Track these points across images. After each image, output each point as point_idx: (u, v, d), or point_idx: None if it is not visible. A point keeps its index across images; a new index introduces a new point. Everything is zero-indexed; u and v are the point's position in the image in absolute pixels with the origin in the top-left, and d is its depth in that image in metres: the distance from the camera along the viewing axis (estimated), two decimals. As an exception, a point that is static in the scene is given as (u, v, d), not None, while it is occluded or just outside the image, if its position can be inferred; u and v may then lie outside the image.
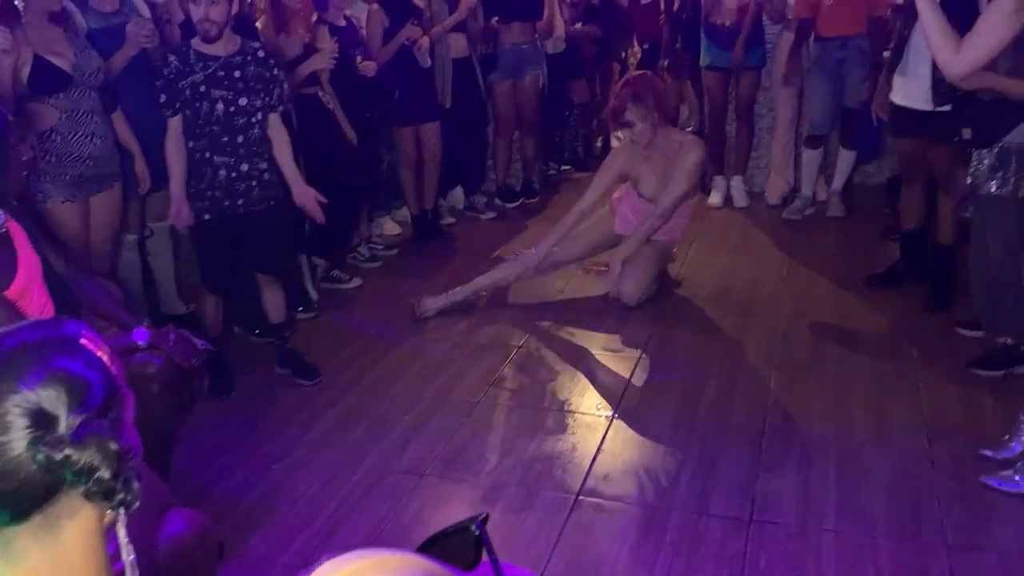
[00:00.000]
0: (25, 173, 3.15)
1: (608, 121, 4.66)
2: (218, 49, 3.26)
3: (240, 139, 3.32)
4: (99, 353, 1.03)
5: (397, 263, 5.05)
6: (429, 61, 5.05)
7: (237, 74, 3.28)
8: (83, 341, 1.03)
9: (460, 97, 5.38)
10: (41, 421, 0.92)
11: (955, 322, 3.71)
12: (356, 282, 4.71)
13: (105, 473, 0.93)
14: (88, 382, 0.97)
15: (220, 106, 3.27)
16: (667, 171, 4.21)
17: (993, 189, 3.02)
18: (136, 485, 0.97)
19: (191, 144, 3.31)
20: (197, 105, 3.26)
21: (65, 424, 0.93)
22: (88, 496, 0.94)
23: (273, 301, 3.63)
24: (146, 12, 3.91)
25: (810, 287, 4.30)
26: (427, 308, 4.20)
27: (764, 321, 4.00)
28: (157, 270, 4.16)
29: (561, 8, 6.23)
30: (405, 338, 4.02)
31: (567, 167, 6.87)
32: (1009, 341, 3.29)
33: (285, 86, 3.48)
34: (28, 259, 2.27)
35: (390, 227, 5.50)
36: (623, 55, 7.49)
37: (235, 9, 3.28)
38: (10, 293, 2.17)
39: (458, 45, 5.32)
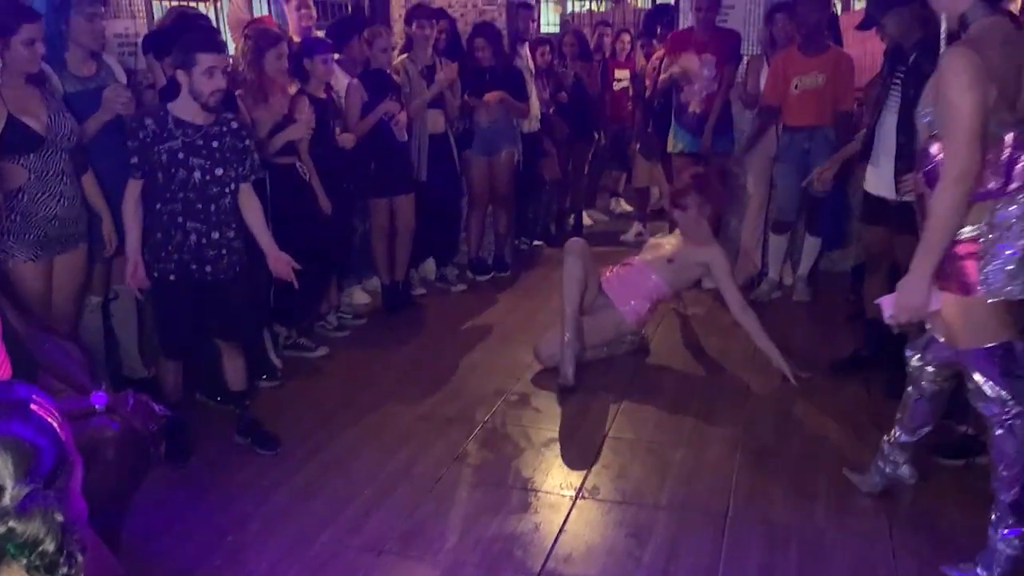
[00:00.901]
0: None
1: (670, 198, 4.86)
2: (198, 118, 3.29)
3: (213, 207, 3.34)
4: (49, 419, 1.01)
5: (365, 333, 5.03)
6: (406, 136, 5.12)
7: (215, 144, 3.31)
8: (33, 407, 1.01)
9: (435, 171, 5.45)
10: None
11: (933, 451, 3.72)
12: (322, 351, 4.67)
13: (49, 546, 0.90)
14: (37, 449, 0.95)
15: (197, 174, 3.29)
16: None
17: None
18: (80, 559, 0.94)
19: (160, 207, 3.31)
20: (173, 171, 3.27)
21: (10, 495, 0.90)
22: (29, 570, 0.91)
23: (234, 368, 3.59)
24: (123, 77, 3.95)
25: (776, 369, 4.33)
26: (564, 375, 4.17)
27: (731, 402, 4.02)
28: (120, 333, 4.10)
29: (539, 87, 6.38)
30: (369, 409, 3.97)
31: (538, 242, 6.94)
32: (970, 431, 3.32)
33: (256, 156, 3.51)
34: None
35: (360, 297, 5.50)
36: (595, 136, 7.66)
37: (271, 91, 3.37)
38: None
39: (435, 121, 5.42)
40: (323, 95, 4.63)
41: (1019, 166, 2.46)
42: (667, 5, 6.46)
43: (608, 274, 4.56)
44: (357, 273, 5.55)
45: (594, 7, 12.16)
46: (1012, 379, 2.53)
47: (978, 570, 2.61)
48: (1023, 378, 2.53)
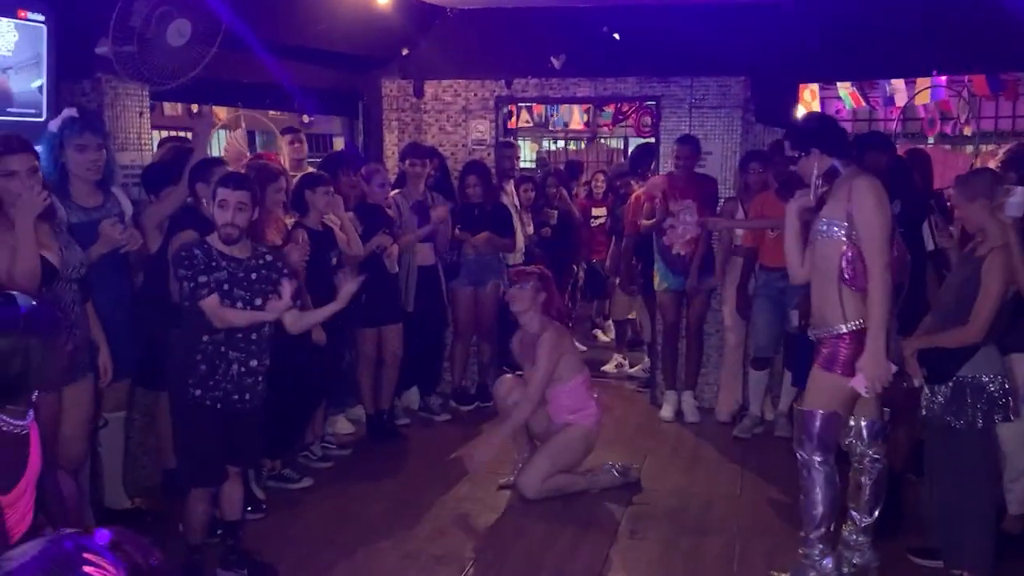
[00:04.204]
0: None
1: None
2: (237, 252, 3.40)
3: (254, 336, 3.43)
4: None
5: (349, 464, 4.98)
6: (396, 268, 5.24)
7: (254, 276, 3.42)
8: (87, 568, 1.02)
9: (422, 302, 5.55)
10: None
11: (908, 549, 3.77)
12: (306, 482, 4.61)
13: None
14: None
15: (240, 305, 3.37)
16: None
17: (952, 424, 3.20)
18: None
19: (207, 338, 3.36)
20: (223, 304, 3.35)
21: None
22: None
23: (235, 496, 3.57)
24: (129, 208, 4.04)
25: (763, 506, 4.35)
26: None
27: (720, 539, 4.00)
28: (106, 461, 4.04)
29: (523, 221, 6.58)
30: (354, 547, 3.89)
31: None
32: (966, 575, 3.35)
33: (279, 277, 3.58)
34: (34, 462, 2.26)
35: (343, 426, 5.47)
36: (574, 269, 7.86)
37: (254, 216, 3.45)
38: (6, 499, 2.13)
39: (425, 254, 5.55)
40: (320, 227, 4.74)
41: None
42: (650, 145, 6.76)
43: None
44: (340, 402, 5.53)
45: (571, 146, 12.70)
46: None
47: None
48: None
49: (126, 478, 4.14)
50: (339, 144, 6.63)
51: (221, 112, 7.37)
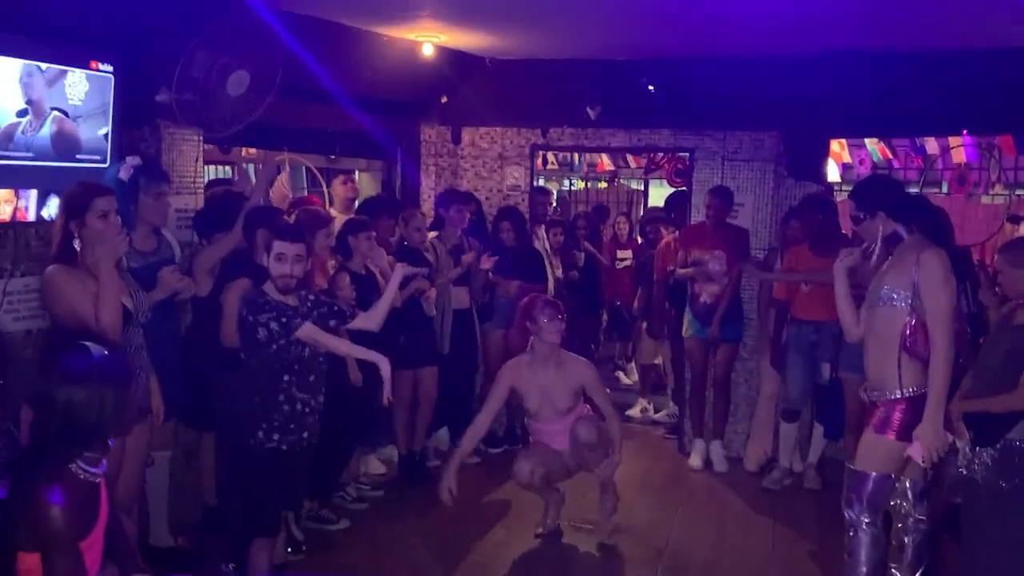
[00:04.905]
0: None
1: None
2: (291, 300, 3.49)
3: (312, 377, 3.53)
4: None
5: (383, 505, 5.03)
6: (434, 311, 5.32)
7: (314, 315, 3.52)
8: None
9: (456, 345, 5.62)
10: None
11: (944, 611, 3.80)
12: (343, 523, 4.66)
13: None
14: None
15: (306, 351, 3.49)
16: (550, 387, 4.52)
17: (1001, 485, 3.25)
18: None
19: (287, 378, 3.46)
20: (292, 349, 3.45)
21: None
22: None
23: (280, 540, 3.60)
24: (178, 251, 4.15)
25: (798, 563, 4.37)
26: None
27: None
28: (152, 500, 4.10)
29: (553, 263, 6.66)
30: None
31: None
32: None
33: (340, 307, 3.74)
34: (104, 508, 2.32)
35: (375, 466, 5.52)
36: (600, 312, 7.93)
37: (308, 267, 3.56)
38: (85, 543, 2.20)
39: (460, 297, 5.64)
40: (363, 271, 4.84)
41: None
42: (682, 192, 6.87)
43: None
44: (372, 442, 5.59)
45: (589, 185, 12.83)
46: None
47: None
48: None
49: (169, 515, 4.20)
50: (361, 180, 6.72)
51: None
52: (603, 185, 12.46)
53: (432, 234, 5.68)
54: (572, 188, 12.71)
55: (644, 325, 7.15)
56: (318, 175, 7.18)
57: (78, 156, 3.72)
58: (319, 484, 4.63)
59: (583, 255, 7.22)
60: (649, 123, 6.19)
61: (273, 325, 3.41)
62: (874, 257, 3.49)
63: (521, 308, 4.68)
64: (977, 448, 3.42)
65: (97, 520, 2.46)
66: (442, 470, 4.53)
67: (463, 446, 4.56)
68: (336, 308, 3.67)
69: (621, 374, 8.47)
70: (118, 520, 2.81)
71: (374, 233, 4.95)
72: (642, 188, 11.64)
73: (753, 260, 5.72)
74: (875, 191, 3.57)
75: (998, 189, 8.69)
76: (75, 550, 2.30)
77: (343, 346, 3.70)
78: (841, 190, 8.73)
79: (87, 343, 2.50)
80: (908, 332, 3.29)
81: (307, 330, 3.44)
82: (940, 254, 3.30)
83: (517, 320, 4.71)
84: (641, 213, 10.32)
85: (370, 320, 3.73)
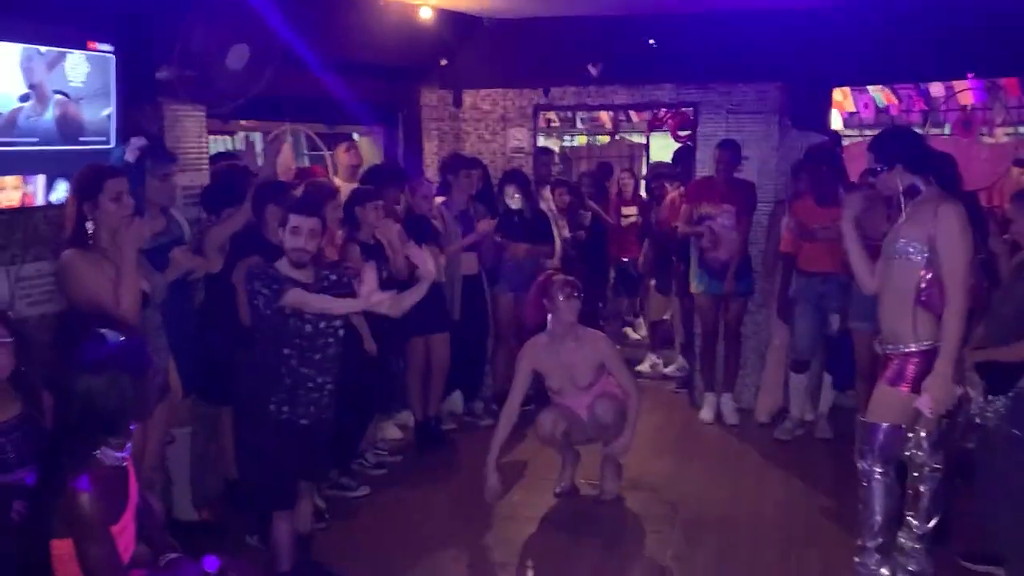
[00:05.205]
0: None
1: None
2: (303, 276, 3.48)
3: (318, 356, 3.50)
4: None
5: (402, 471, 5.09)
6: (443, 278, 5.33)
7: None
8: None
9: (466, 310, 5.65)
10: None
11: (958, 554, 3.85)
12: (364, 490, 4.73)
13: None
14: None
15: (308, 327, 3.46)
16: (571, 365, 4.54)
17: (1014, 433, 3.30)
18: None
19: (287, 351, 3.45)
20: (290, 322, 3.44)
21: None
22: None
23: (307, 511, 3.68)
24: (188, 229, 4.16)
25: (814, 513, 4.43)
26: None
27: (776, 550, 4.10)
28: (174, 475, 4.16)
29: (560, 223, 6.65)
30: (419, 555, 4.02)
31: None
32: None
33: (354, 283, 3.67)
34: (134, 491, 2.36)
35: (392, 432, 5.58)
36: (607, 269, 7.93)
37: (322, 242, 3.54)
38: (117, 528, 2.24)
39: (469, 263, 5.65)
40: (372, 241, 4.84)
41: None
42: (688, 148, 6.83)
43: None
44: (388, 408, 5.65)
45: (590, 140, 12.73)
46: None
47: None
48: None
49: (191, 490, 4.26)
50: (361, 144, 6.68)
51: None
52: (605, 139, 12.38)
53: (438, 200, 5.67)
54: (573, 144, 12.63)
55: (653, 282, 7.17)
56: (318, 141, 7.15)
57: (82, 139, 3.69)
58: (338, 452, 4.70)
59: (589, 214, 7.21)
60: (652, 79, 6.14)
61: (264, 291, 3.40)
62: (902, 212, 3.43)
63: (537, 286, 4.69)
64: (990, 396, 3.46)
65: (127, 504, 2.51)
66: (486, 462, 4.46)
67: (498, 433, 4.55)
68: (349, 283, 3.66)
69: (629, 329, 8.51)
70: (147, 501, 2.87)
71: (381, 202, 4.94)
72: (644, 141, 11.56)
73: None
74: (894, 143, 3.51)
75: (1003, 130, 8.61)
76: (107, 535, 2.35)
77: (332, 304, 3.50)
78: (846, 137, 8.66)
79: (103, 330, 2.52)
80: (924, 286, 3.29)
81: (295, 296, 3.39)
82: (958, 208, 3.28)
83: (532, 297, 4.71)
84: (644, 167, 10.29)
85: (393, 308, 3.69)
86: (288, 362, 3.46)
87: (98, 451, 2.44)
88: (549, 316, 4.57)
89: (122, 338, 2.51)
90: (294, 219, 3.44)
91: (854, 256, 3.61)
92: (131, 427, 2.55)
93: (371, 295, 3.52)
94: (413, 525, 4.34)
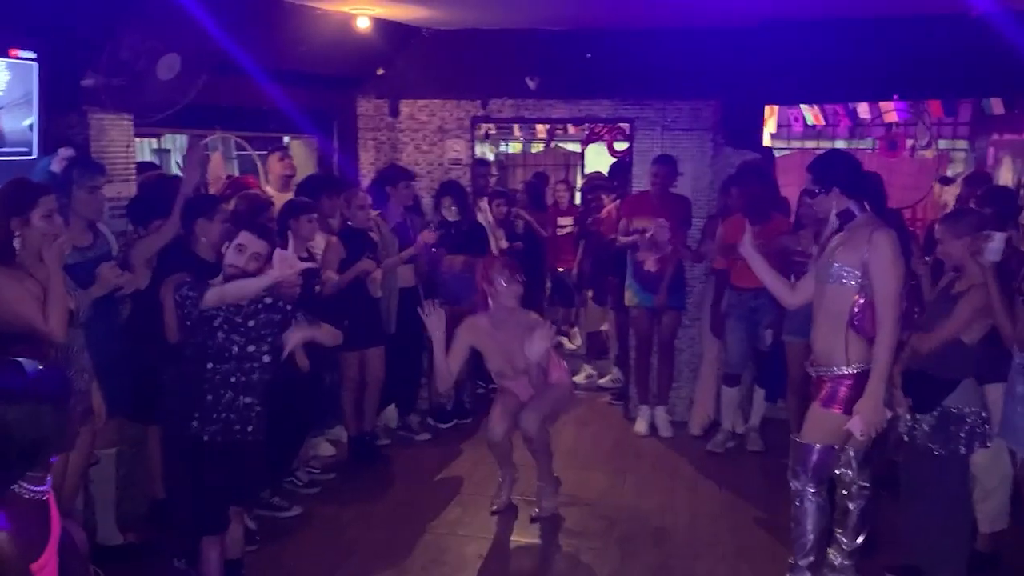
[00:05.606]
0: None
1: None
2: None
3: (243, 377, 3.39)
4: None
5: (336, 489, 5.01)
6: (380, 292, 5.27)
7: (251, 323, 3.39)
8: None
9: (402, 323, 5.59)
10: None
11: (885, 568, 3.96)
12: (296, 510, 4.63)
13: None
14: None
15: (235, 348, 3.36)
16: (510, 350, 4.50)
17: (936, 451, 3.41)
18: None
19: (211, 365, 3.34)
20: (218, 336, 3.33)
21: None
22: None
23: (237, 535, 3.58)
24: (115, 244, 4.02)
25: (747, 526, 4.51)
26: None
27: (709, 562, 4.16)
28: (98, 498, 4.01)
29: (497, 234, 6.64)
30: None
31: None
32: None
33: (295, 317, 3.55)
34: (56, 525, 2.26)
35: (325, 448, 5.49)
36: (543, 279, 7.96)
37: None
38: (37, 564, 2.14)
39: (406, 276, 5.60)
40: (304, 253, 4.74)
41: None
42: (624, 163, 6.90)
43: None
44: (320, 424, 5.55)
45: (527, 148, 12.77)
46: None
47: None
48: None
49: (116, 512, 4.12)
50: (292, 148, 6.55)
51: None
52: (539, 147, 12.42)
53: (375, 213, 5.60)
54: (509, 151, 12.65)
55: (590, 293, 7.21)
56: (247, 146, 6.99)
57: (2, 149, 3.55)
58: (271, 472, 4.60)
59: (521, 223, 7.22)
60: (589, 93, 6.18)
61: (192, 293, 3.31)
62: (830, 234, 3.55)
63: (479, 270, 4.68)
64: (917, 415, 3.57)
65: (49, 539, 2.40)
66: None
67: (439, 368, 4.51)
68: (284, 308, 3.56)
69: (564, 339, 8.53)
70: (69, 534, 2.75)
71: (315, 215, 4.86)
72: (580, 151, 11.64)
73: (708, 244, 5.74)
74: (832, 167, 3.57)
75: (928, 152, 8.92)
76: (28, 574, 2.24)
77: (245, 284, 3.33)
78: (776, 149, 8.86)
79: (20, 359, 2.40)
80: (856, 310, 3.37)
81: (212, 294, 3.30)
82: (891, 235, 3.35)
83: (476, 282, 4.71)
84: (580, 177, 10.36)
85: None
86: (212, 379, 3.36)
87: (16, 486, 2.32)
88: (490, 300, 4.54)
89: (40, 367, 2.39)
90: (244, 236, 3.35)
91: (764, 277, 3.80)
92: (52, 459, 2.44)
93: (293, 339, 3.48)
94: (346, 544, 4.27)
